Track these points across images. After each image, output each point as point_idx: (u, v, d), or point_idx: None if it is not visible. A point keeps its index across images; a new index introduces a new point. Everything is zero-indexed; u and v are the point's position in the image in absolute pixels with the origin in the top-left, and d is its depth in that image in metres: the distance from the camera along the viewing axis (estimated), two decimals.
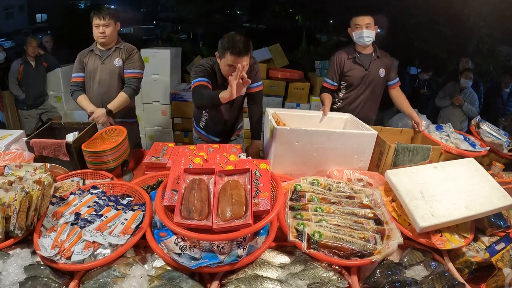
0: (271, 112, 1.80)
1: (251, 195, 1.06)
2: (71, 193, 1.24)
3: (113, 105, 2.07)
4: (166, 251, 0.99)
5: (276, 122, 1.65)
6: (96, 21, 2.06)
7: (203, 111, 2.11)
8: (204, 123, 2.16)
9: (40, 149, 1.53)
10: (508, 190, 1.24)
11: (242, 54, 1.62)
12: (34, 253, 1.03)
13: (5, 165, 1.28)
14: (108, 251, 0.99)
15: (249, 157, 1.54)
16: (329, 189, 1.33)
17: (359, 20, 2.13)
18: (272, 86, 3.86)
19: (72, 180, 1.41)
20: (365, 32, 2.12)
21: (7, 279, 0.91)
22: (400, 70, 4.46)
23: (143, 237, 1.04)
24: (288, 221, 1.12)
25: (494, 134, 2.05)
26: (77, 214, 1.11)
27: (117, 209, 1.16)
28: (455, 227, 1.19)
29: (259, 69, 1.99)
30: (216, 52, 1.75)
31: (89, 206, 1.17)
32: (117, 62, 2.15)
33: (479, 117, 2.17)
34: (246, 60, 1.66)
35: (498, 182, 1.27)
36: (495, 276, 1.04)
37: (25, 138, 1.62)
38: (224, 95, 1.53)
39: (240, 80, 1.49)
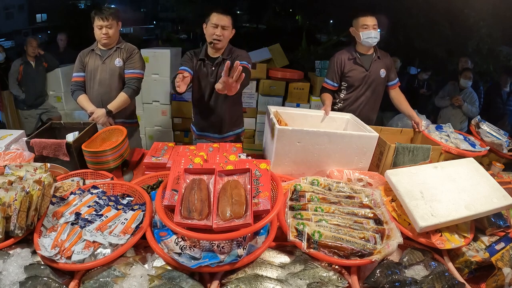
0: (272, 111, 1.79)
1: (251, 195, 1.06)
2: (71, 193, 1.24)
3: (113, 106, 2.07)
4: (166, 251, 0.99)
5: (277, 121, 1.65)
6: (98, 22, 2.04)
7: (194, 108, 2.21)
8: (194, 120, 2.23)
9: (40, 149, 1.53)
10: (508, 190, 1.24)
11: (225, 13, 1.87)
12: (34, 252, 1.03)
13: (5, 165, 1.28)
14: (108, 250, 1.00)
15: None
16: (329, 189, 1.33)
17: (368, 20, 2.10)
18: (272, 86, 3.86)
19: (72, 180, 1.41)
20: (373, 33, 2.10)
21: (7, 278, 0.91)
22: (400, 70, 4.46)
23: (143, 237, 1.05)
24: (288, 221, 1.13)
25: (494, 134, 2.05)
26: (77, 214, 1.11)
27: (117, 209, 1.16)
28: (455, 227, 1.20)
29: (245, 55, 1.99)
30: (203, 24, 1.95)
31: (89, 206, 1.17)
32: (118, 62, 2.14)
33: (479, 117, 2.16)
34: (227, 21, 1.88)
35: (498, 182, 1.27)
36: (495, 276, 1.05)
37: (25, 138, 1.62)
38: (217, 86, 1.55)
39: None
